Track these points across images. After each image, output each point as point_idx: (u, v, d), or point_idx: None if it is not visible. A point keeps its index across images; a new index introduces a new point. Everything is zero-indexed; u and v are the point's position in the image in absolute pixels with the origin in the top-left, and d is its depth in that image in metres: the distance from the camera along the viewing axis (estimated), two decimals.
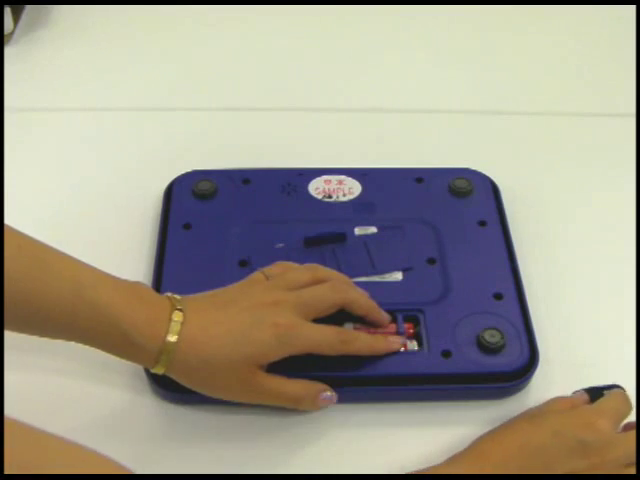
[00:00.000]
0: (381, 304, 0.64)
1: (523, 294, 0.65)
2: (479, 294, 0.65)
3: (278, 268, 0.62)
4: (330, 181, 0.74)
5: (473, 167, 0.76)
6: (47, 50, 0.94)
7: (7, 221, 0.54)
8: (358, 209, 0.72)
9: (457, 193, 0.73)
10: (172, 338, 0.54)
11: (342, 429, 0.60)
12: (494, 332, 0.61)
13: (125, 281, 0.57)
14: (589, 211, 0.77)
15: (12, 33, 0.94)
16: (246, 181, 0.74)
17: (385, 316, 0.62)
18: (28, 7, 0.98)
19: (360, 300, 0.62)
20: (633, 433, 0.57)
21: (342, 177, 0.74)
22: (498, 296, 0.65)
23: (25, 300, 0.53)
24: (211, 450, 0.59)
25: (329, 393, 0.59)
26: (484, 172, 0.76)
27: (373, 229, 0.70)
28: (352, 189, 0.74)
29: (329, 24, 0.99)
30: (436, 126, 0.86)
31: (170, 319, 0.55)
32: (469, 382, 0.60)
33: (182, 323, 0.55)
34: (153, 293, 0.59)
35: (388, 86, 0.91)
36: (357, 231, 0.69)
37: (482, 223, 0.71)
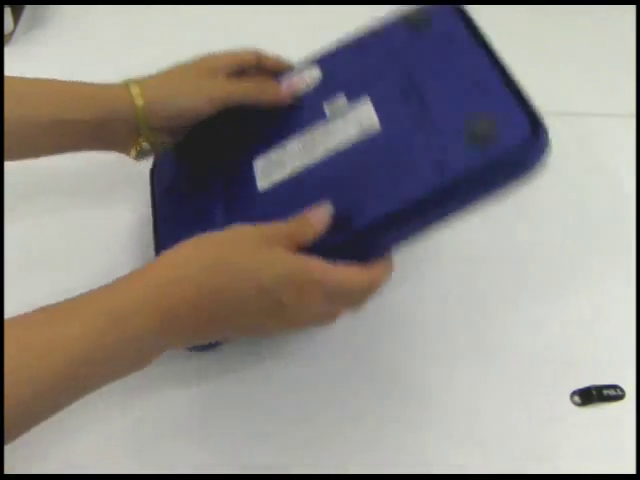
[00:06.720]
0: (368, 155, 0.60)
1: (512, 80, 0.61)
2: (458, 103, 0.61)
3: None
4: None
5: None
6: (47, 50, 0.94)
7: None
8: (322, 87, 0.68)
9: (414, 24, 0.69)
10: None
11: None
12: (483, 122, 0.58)
13: None
14: (589, 211, 0.77)
15: (12, 33, 0.94)
16: None
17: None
18: (28, 7, 0.99)
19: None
20: None
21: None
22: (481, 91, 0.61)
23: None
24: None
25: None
26: None
27: (342, 97, 0.65)
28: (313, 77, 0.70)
29: (329, 24, 0.99)
30: None
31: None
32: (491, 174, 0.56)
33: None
34: None
35: None
36: (326, 107, 0.65)
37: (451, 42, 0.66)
